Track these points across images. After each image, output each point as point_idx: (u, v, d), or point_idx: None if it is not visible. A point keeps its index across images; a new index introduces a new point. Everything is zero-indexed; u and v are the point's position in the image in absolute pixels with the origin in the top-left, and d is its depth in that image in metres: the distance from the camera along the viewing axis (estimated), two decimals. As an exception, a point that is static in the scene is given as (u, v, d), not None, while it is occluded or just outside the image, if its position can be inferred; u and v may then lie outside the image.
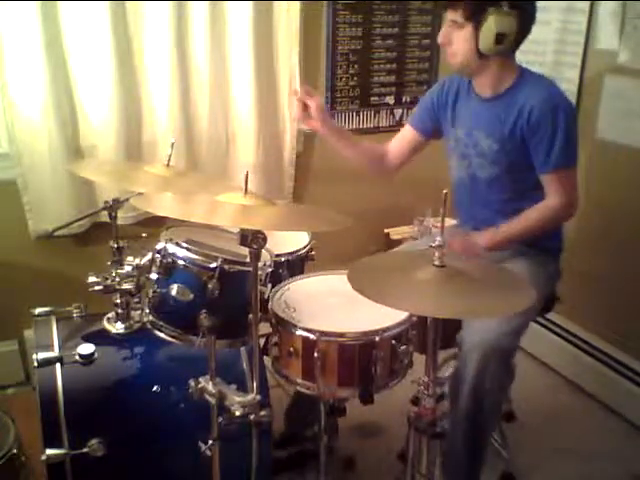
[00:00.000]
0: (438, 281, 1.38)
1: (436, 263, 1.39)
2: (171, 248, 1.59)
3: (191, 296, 1.57)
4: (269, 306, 1.70)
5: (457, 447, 1.87)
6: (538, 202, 1.93)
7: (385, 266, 1.56)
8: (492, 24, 1.79)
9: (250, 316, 1.48)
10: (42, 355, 1.67)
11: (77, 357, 1.68)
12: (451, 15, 1.85)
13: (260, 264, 1.54)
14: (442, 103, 2.10)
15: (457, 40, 1.87)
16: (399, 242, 2.94)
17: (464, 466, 1.91)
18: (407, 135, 2.21)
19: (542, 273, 1.99)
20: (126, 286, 1.78)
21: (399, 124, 3.03)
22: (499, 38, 1.81)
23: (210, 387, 1.46)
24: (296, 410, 2.18)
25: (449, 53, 1.92)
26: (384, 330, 1.61)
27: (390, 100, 3.04)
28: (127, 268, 1.77)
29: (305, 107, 2.03)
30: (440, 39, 1.91)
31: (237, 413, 1.45)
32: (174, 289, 1.57)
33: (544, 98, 1.87)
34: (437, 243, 1.38)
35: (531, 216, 1.93)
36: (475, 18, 1.81)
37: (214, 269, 1.54)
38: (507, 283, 1.48)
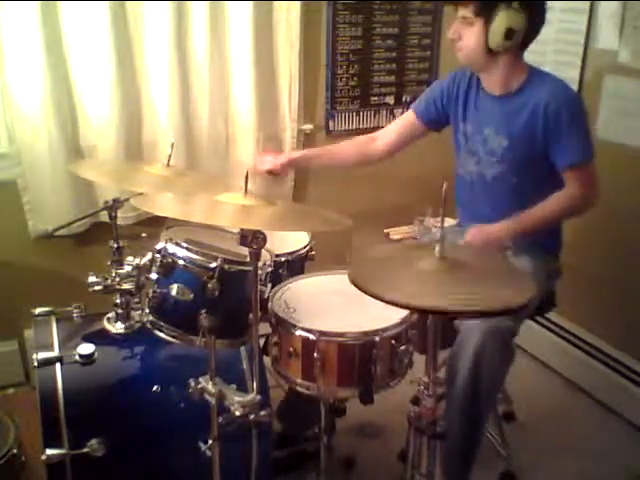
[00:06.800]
0: (440, 272, 1.35)
1: (437, 254, 1.37)
2: (171, 248, 1.59)
3: (191, 296, 1.57)
4: (269, 306, 1.70)
5: (453, 431, 1.83)
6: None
7: (386, 258, 1.54)
8: (502, 20, 1.82)
9: (250, 316, 1.48)
10: (42, 355, 1.67)
11: (77, 357, 1.67)
12: (461, 11, 1.88)
13: (260, 264, 1.54)
14: (452, 96, 2.09)
15: (467, 36, 1.90)
16: (399, 242, 2.94)
17: (459, 452, 1.89)
18: (408, 122, 2.20)
19: (542, 269, 1.99)
20: (126, 286, 1.78)
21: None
22: (508, 34, 1.84)
23: (210, 387, 1.46)
24: (289, 409, 2.17)
25: (458, 48, 1.94)
26: (384, 330, 1.61)
27: (390, 100, 3.04)
28: (127, 268, 1.77)
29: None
30: (450, 35, 1.94)
31: (237, 413, 1.45)
32: (174, 289, 1.57)
33: (559, 94, 1.89)
34: (438, 237, 1.37)
35: (551, 204, 1.92)
36: (485, 14, 1.83)
37: (214, 269, 1.54)
38: (508, 274, 1.46)
